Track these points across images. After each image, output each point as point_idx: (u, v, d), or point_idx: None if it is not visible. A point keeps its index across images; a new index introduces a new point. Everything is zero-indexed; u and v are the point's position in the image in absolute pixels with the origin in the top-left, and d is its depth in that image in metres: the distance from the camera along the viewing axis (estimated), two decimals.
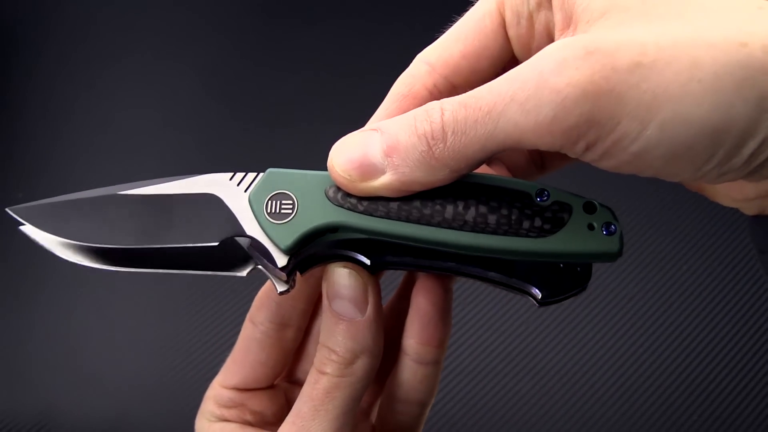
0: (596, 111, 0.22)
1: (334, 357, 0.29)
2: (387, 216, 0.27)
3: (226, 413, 0.33)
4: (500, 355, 0.74)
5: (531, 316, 0.77)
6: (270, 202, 0.28)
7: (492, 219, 0.27)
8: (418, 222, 0.27)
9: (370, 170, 0.26)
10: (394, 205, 0.27)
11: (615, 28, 0.23)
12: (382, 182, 0.26)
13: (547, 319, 0.77)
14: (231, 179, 0.29)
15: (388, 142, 0.25)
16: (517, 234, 0.27)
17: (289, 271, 0.29)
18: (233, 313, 0.75)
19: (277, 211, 0.28)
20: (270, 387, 0.35)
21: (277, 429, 0.30)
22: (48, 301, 0.79)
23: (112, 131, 0.91)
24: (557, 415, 0.71)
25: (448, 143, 0.24)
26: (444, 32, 0.29)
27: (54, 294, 0.79)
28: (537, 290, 0.29)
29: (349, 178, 0.26)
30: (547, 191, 0.27)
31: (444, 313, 0.32)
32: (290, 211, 0.28)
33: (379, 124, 0.26)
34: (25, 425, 0.72)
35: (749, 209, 0.28)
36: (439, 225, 0.27)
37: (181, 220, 0.29)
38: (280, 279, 0.29)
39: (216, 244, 0.29)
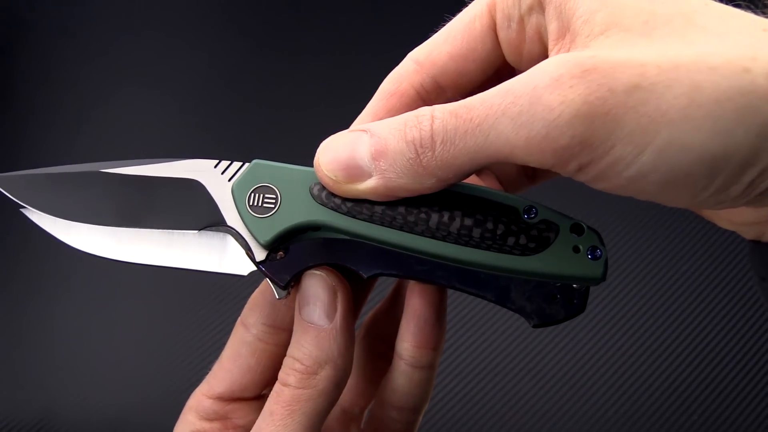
0: (590, 133, 0.21)
1: (297, 366, 0.28)
2: (370, 219, 0.27)
3: (207, 427, 0.32)
4: (500, 355, 0.74)
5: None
6: (253, 194, 0.28)
7: (476, 232, 0.26)
8: (400, 228, 0.27)
9: (356, 173, 0.25)
10: (378, 209, 0.27)
11: (615, 46, 0.22)
12: (367, 186, 0.25)
13: None
14: (216, 167, 0.29)
15: (377, 146, 0.25)
16: (500, 250, 0.26)
17: (288, 281, 0.28)
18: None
19: (260, 204, 0.28)
20: (257, 398, 0.33)
21: None
22: (48, 301, 0.79)
23: (116, 111, 0.91)
24: (557, 415, 0.71)
25: (436, 152, 0.24)
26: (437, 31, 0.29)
27: (54, 294, 0.79)
28: (531, 319, 0.28)
29: (334, 178, 0.26)
30: (536, 208, 0.27)
31: (439, 315, 0.31)
32: (272, 206, 0.28)
33: (370, 126, 0.26)
34: (25, 425, 0.72)
35: (748, 233, 0.28)
36: (422, 234, 0.27)
37: (162, 204, 0.29)
38: (278, 286, 0.29)
39: (196, 231, 0.28)
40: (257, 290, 0.32)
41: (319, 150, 0.26)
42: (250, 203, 0.28)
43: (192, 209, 0.28)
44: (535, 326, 0.28)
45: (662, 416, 0.72)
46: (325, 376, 0.28)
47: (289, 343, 0.32)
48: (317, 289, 0.28)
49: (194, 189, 0.29)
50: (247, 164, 0.29)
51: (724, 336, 0.76)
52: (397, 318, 0.33)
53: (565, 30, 0.24)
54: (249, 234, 0.28)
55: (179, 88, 0.94)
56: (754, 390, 0.73)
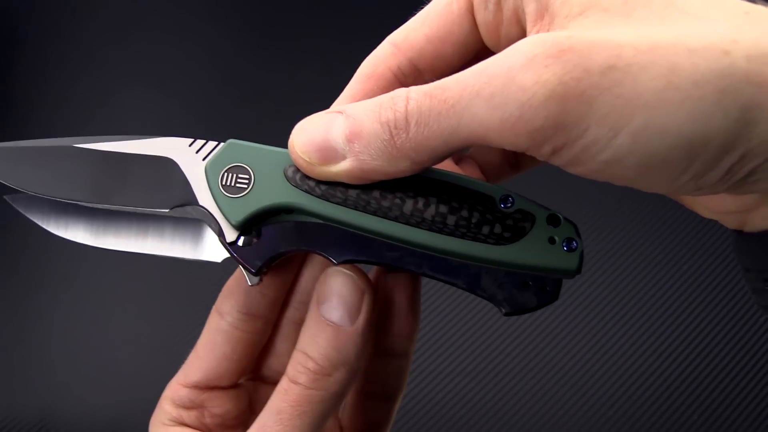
0: (564, 114, 0.21)
1: (310, 365, 0.27)
2: (344, 203, 0.27)
3: (184, 415, 0.31)
4: (500, 355, 0.74)
5: (531, 317, 0.77)
6: (226, 174, 0.28)
7: (451, 220, 0.26)
8: (374, 213, 0.26)
9: (330, 154, 0.25)
10: (352, 192, 0.26)
11: (593, 27, 0.22)
12: (341, 168, 0.25)
13: (548, 320, 0.77)
14: (190, 145, 0.28)
15: (351, 127, 0.24)
16: (474, 238, 0.26)
17: (260, 267, 0.28)
18: None
19: (232, 184, 0.27)
20: (233, 386, 0.32)
21: None
22: (48, 301, 0.79)
23: (114, 109, 0.91)
24: (557, 415, 0.71)
25: (410, 134, 0.23)
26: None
27: (54, 294, 0.79)
28: (502, 307, 0.28)
29: (308, 160, 0.26)
30: (512, 198, 0.26)
31: (413, 304, 0.31)
32: (245, 186, 0.27)
33: (345, 107, 0.25)
34: (25, 425, 0.72)
35: (729, 222, 0.27)
36: (396, 219, 0.26)
37: (134, 182, 0.28)
38: (250, 272, 0.28)
39: (167, 210, 0.28)
40: (232, 278, 0.32)
41: (293, 131, 0.26)
42: (223, 183, 0.28)
43: (164, 187, 0.28)
44: (506, 314, 0.28)
45: (662, 416, 0.72)
46: (339, 378, 0.28)
47: (265, 330, 0.32)
48: (343, 289, 0.28)
49: (167, 167, 0.28)
50: (222, 144, 0.28)
51: (725, 335, 0.76)
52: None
53: (543, 11, 0.24)
54: (221, 214, 0.27)
55: (179, 86, 0.94)
56: (754, 390, 0.73)
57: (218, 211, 0.28)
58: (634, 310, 0.77)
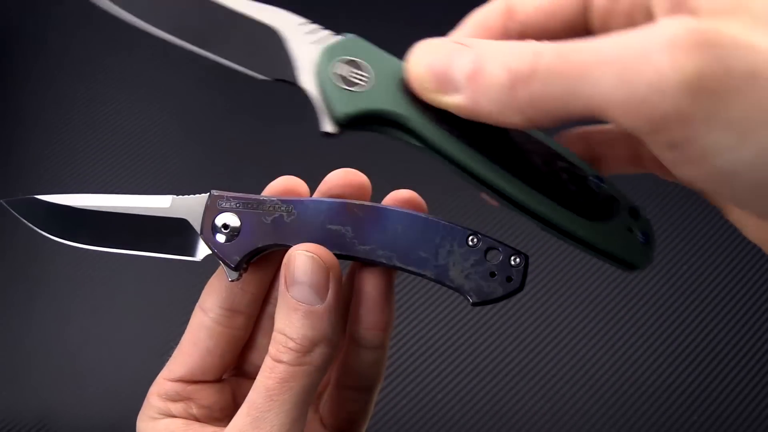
0: (693, 107, 0.19)
1: (291, 345, 0.28)
2: (450, 133, 0.26)
3: (172, 407, 0.32)
4: (500, 356, 0.74)
5: (531, 317, 0.77)
6: (342, 64, 0.27)
7: (552, 178, 0.26)
8: (479, 151, 0.26)
9: (446, 85, 0.24)
10: (462, 124, 0.25)
11: (742, 28, 0.20)
12: (453, 101, 0.24)
13: (548, 319, 0.77)
14: (301, 25, 0.28)
15: (475, 66, 0.23)
16: (567, 206, 0.26)
17: (238, 263, 0.30)
18: None
19: (347, 76, 0.27)
20: (217, 381, 0.33)
21: (225, 425, 0.29)
22: (48, 301, 0.79)
23: (113, 127, 0.91)
24: (557, 414, 0.71)
25: (532, 89, 0.22)
26: None
27: (54, 294, 0.79)
28: (469, 296, 0.29)
29: (423, 84, 0.25)
30: (603, 180, 0.27)
31: (388, 296, 0.32)
32: (363, 83, 0.27)
33: (473, 42, 0.24)
34: (25, 425, 0.72)
35: None
36: (498, 163, 0.26)
37: (237, 40, 0.28)
38: (230, 267, 0.30)
39: (265, 78, 0.28)
40: (214, 275, 0.32)
41: (414, 51, 0.25)
42: (336, 71, 0.27)
43: (266, 56, 0.28)
44: (474, 304, 0.28)
45: (662, 416, 0.72)
46: (320, 352, 0.29)
47: (247, 326, 0.33)
48: (308, 271, 0.28)
49: (273, 38, 0.28)
50: (342, 35, 0.28)
51: (725, 335, 0.76)
52: (346, 303, 0.33)
53: (680, 4, 0.22)
54: (322, 101, 0.27)
55: (175, 96, 0.94)
56: (754, 390, 0.73)
57: (320, 97, 0.27)
58: (634, 310, 0.77)
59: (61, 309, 0.78)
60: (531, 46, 0.22)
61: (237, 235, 0.30)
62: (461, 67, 0.23)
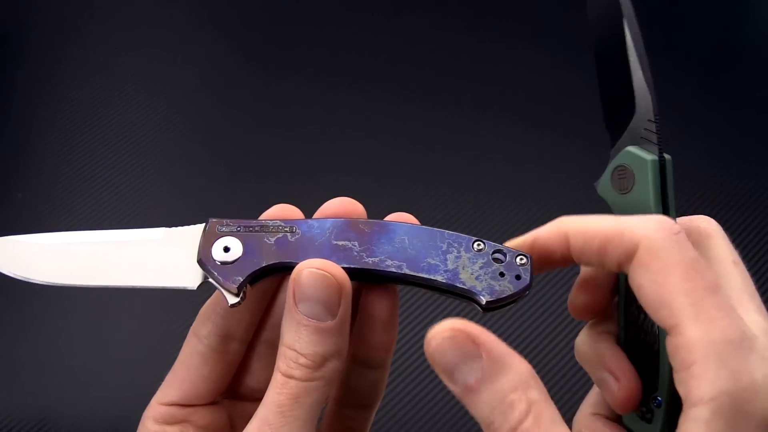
0: None
1: (302, 361, 0.28)
2: None
3: (168, 429, 0.32)
4: None
5: (531, 317, 0.77)
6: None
7: None
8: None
9: (451, 378, 0.26)
10: None
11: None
12: (453, 387, 0.26)
13: (548, 319, 0.77)
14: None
15: (476, 382, 0.25)
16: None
17: (241, 284, 0.29)
18: None
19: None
20: (212, 403, 0.33)
21: None
22: (48, 301, 0.79)
23: (112, 130, 0.91)
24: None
25: None
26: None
27: (54, 294, 0.79)
28: (482, 297, 0.29)
29: (433, 363, 0.26)
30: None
31: (393, 318, 0.32)
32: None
33: (486, 345, 0.26)
34: (25, 425, 0.72)
35: None
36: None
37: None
38: (230, 292, 0.29)
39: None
40: (209, 301, 0.32)
41: (435, 332, 0.26)
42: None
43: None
44: (486, 307, 0.29)
45: None
46: (331, 367, 0.28)
47: (240, 350, 0.33)
48: (318, 287, 0.28)
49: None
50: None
51: None
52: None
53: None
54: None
55: (175, 106, 0.94)
56: None
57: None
58: None
59: (61, 309, 0.78)
60: (526, 398, 0.25)
61: (239, 257, 0.29)
62: (464, 375, 0.25)
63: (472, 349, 0.25)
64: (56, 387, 0.74)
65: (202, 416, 0.32)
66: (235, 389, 0.34)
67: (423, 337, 0.27)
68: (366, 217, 0.32)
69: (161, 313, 0.77)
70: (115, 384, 0.74)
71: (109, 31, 0.99)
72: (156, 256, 0.31)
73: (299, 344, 0.28)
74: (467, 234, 0.30)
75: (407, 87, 0.92)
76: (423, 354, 0.72)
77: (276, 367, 0.29)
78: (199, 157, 0.89)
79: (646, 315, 0.29)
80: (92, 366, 0.75)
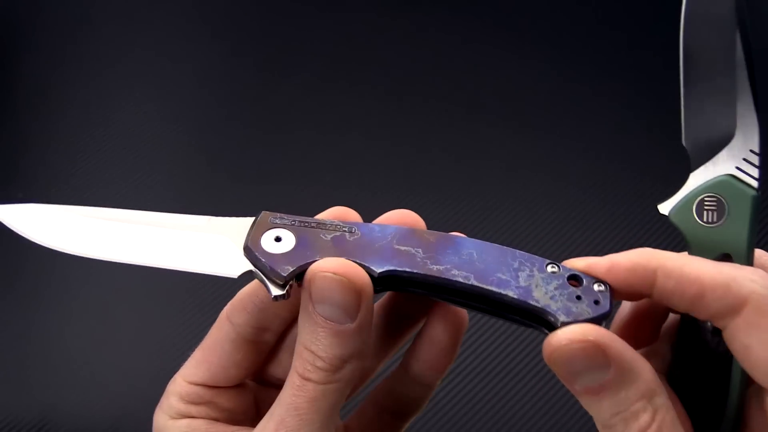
0: None
1: (320, 363, 0.27)
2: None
3: (193, 410, 0.31)
4: (500, 356, 0.74)
5: None
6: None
7: None
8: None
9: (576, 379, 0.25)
10: None
11: None
12: (572, 386, 0.25)
13: None
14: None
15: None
16: None
17: (289, 274, 0.27)
18: None
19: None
20: (238, 385, 0.32)
21: (246, 426, 0.29)
22: (48, 301, 0.79)
23: (112, 129, 0.91)
24: (557, 414, 0.71)
25: None
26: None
27: (54, 294, 0.79)
28: (557, 316, 0.26)
29: (559, 371, 0.25)
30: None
31: (456, 343, 0.31)
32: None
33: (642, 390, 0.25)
34: (25, 425, 0.72)
35: None
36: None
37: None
38: (276, 283, 0.27)
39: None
40: (245, 289, 0.31)
41: (557, 339, 0.25)
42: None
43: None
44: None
45: None
46: (350, 369, 0.27)
47: (273, 341, 0.32)
48: (335, 292, 0.27)
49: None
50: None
51: None
52: (390, 325, 0.32)
53: None
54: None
55: (169, 104, 0.94)
56: None
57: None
58: None
59: (62, 309, 0.78)
60: (652, 407, 0.24)
61: (291, 249, 0.28)
62: (587, 381, 0.25)
63: (601, 361, 0.24)
64: (56, 387, 0.74)
65: (227, 399, 0.32)
66: (262, 375, 0.34)
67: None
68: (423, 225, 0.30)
69: (162, 312, 0.77)
70: (116, 384, 0.74)
71: (110, 30, 0.99)
72: (198, 241, 0.30)
73: (316, 346, 0.27)
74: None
75: (409, 87, 0.92)
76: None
77: (293, 366, 0.28)
78: (200, 158, 0.88)
79: (712, 359, 0.28)
80: (92, 366, 0.75)
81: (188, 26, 1.00)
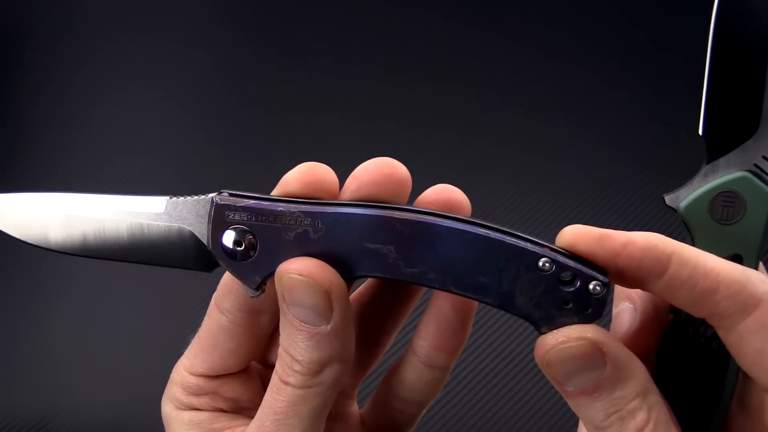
0: None
1: (297, 367, 0.26)
2: None
3: (196, 402, 0.30)
4: (500, 355, 0.74)
5: None
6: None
7: None
8: None
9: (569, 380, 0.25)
10: None
11: None
12: (564, 387, 0.25)
13: None
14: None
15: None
16: None
17: (259, 283, 0.26)
18: None
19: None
20: (242, 371, 0.31)
21: (254, 415, 0.28)
22: (48, 301, 0.79)
23: (115, 112, 0.91)
24: (557, 414, 0.71)
25: None
26: None
27: (54, 294, 0.79)
28: (539, 327, 0.25)
29: (551, 373, 0.25)
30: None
31: (465, 321, 0.30)
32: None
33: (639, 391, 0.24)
34: (26, 425, 0.72)
35: None
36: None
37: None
38: (249, 287, 0.27)
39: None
40: (228, 273, 0.30)
41: (551, 340, 0.25)
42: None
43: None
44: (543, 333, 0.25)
45: None
46: (330, 373, 0.26)
47: (271, 322, 0.30)
48: (303, 294, 0.25)
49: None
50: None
51: None
52: (385, 305, 0.31)
53: None
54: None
55: (176, 89, 0.94)
56: None
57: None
58: None
59: (61, 309, 0.78)
60: (647, 405, 0.24)
61: (254, 254, 0.26)
62: (580, 381, 0.24)
63: (598, 360, 0.23)
64: (56, 387, 0.74)
65: (232, 387, 0.31)
66: (266, 358, 0.33)
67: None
68: (410, 186, 0.27)
69: (162, 312, 0.77)
70: (115, 384, 0.74)
71: (110, 20, 0.99)
72: (162, 235, 0.28)
73: (294, 349, 0.26)
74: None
75: (414, 75, 0.92)
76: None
77: (275, 368, 0.27)
78: (204, 149, 0.88)
79: (710, 359, 0.28)
80: (92, 366, 0.75)
81: (198, 13, 1.00)
